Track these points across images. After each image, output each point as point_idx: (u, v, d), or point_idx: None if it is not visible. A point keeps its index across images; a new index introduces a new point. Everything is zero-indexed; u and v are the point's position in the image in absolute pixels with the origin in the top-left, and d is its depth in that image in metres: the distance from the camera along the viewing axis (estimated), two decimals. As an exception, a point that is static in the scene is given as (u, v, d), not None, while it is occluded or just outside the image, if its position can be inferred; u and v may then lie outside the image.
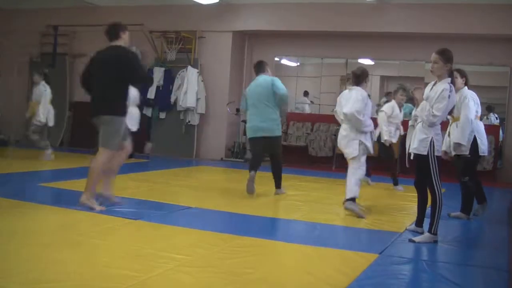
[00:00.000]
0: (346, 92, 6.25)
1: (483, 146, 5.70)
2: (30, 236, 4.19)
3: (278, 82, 6.83)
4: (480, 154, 5.67)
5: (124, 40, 5.46)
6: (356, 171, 5.98)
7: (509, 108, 10.39)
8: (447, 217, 5.78)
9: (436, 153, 4.66)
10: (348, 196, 5.87)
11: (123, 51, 5.39)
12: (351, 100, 5.89)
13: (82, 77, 5.62)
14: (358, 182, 5.98)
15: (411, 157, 4.83)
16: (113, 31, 5.46)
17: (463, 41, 9.79)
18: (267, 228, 5.30)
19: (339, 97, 6.38)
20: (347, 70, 11.67)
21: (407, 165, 4.96)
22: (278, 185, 7.03)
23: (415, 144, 4.72)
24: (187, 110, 11.17)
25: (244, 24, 11.31)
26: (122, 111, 5.39)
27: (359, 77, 6.04)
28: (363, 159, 6.05)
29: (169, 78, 11.35)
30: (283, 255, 4.26)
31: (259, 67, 7.11)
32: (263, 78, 6.95)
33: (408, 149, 4.88)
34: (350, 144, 5.97)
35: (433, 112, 4.58)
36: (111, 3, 11.70)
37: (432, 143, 4.64)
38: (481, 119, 6.16)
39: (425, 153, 4.65)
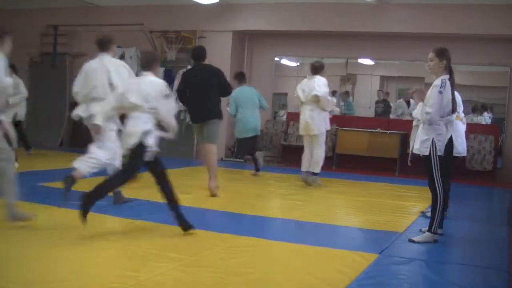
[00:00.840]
0: (305, 80, 7.60)
1: (459, 146, 5.55)
2: (30, 236, 4.18)
3: (262, 97, 8.95)
4: (455, 154, 5.43)
5: (207, 59, 6.89)
6: (322, 146, 7.54)
7: (509, 108, 10.38)
8: (448, 216, 5.77)
9: (438, 153, 4.67)
10: (318, 171, 7.56)
11: (215, 69, 6.86)
12: (319, 86, 7.35)
13: (180, 92, 6.82)
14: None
15: (421, 156, 4.82)
16: (202, 54, 6.87)
17: (463, 41, 9.79)
18: (267, 228, 5.30)
19: (300, 85, 7.71)
20: (347, 70, 11.68)
21: (409, 164, 4.96)
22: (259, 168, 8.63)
23: (417, 145, 4.78)
24: (187, 109, 11.15)
25: (244, 24, 11.31)
26: (222, 115, 6.89)
27: (317, 68, 7.54)
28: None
29: (169, 78, 11.32)
30: (283, 255, 4.26)
31: (243, 78, 8.99)
32: (249, 88, 8.92)
33: (412, 149, 4.93)
34: (319, 123, 7.42)
35: (426, 110, 4.61)
36: (111, 3, 11.69)
37: (433, 143, 4.66)
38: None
39: (427, 153, 4.69)
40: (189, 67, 8.44)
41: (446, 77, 4.67)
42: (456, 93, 5.40)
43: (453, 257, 4.46)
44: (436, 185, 4.70)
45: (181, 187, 7.21)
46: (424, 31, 10.03)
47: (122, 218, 4.99)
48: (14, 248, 3.83)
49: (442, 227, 4.98)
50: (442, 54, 4.71)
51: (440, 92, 4.58)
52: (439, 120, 4.66)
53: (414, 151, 4.88)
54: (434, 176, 4.70)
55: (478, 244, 5.09)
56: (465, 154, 5.76)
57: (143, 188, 6.86)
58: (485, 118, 10.74)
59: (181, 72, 9.09)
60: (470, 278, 3.87)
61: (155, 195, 6.28)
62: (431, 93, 4.65)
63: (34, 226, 4.53)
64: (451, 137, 5.35)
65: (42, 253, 3.76)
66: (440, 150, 4.71)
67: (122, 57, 11.57)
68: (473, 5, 9.63)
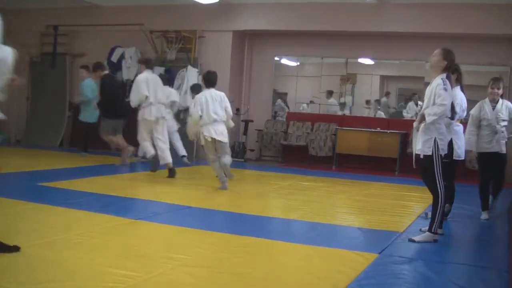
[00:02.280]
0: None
1: (459, 150, 5.46)
2: (30, 236, 4.18)
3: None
4: (455, 158, 5.32)
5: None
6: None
7: (509, 108, 10.36)
8: (448, 216, 5.77)
9: (440, 152, 4.68)
10: (184, 153, 9.71)
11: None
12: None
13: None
14: None
15: (421, 157, 4.81)
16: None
17: (463, 40, 9.78)
18: (267, 228, 5.29)
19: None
20: (347, 70, 11.68)
21: (414, 166, 4.90)
22: None
23: (420, 145, 4.76)
24: (187, 109, 11.15)
25: (244, 24, 11.31)
26: None
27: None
28: None
29: (169, 77, 11.34)
30: (283, 255, 4.26)
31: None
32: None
33: (415, 150, 4.90)
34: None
35: (440, 102, 4.60)
36: (111, 2, 11.68)
37: (436, 143, 4.66)
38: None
39: (430, 153, 4.68)
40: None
41: (444, 75, 4.70)
42: (463, 98, 5.38)
43: (453, 257, 4.45)
44: (438, 185, 4.69)
45: (180, 186, 7.23)
46: (424, 31, 10.04)
47: (121, 218, 4.99)
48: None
49: (442, 227, 4.98)
50: (446, 54, 4.74)
51: (445, 89, 4.60)
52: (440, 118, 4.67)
53: (416, 152, 4.81)
54: (436, 176, 4.69)
55: (478, 244, 5.09)
56: (463, 158, 5.66)
57: (141, 187, 6.88)
58: None
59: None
60: (470, 278, 3.86)
61: (155, 195, 6.31)
62: (437, 91, 4.63)
63: (34, 226, 4.54)
64: (451, 140, 5.34)
65: (42, 253, 3.76)
66: (443, 149, 4.71)
67: (122, 57, 11.60)
68: (473, 5, 9.63)
